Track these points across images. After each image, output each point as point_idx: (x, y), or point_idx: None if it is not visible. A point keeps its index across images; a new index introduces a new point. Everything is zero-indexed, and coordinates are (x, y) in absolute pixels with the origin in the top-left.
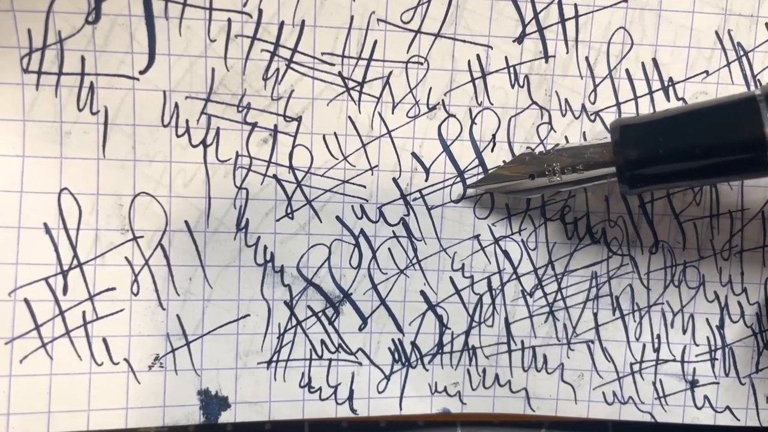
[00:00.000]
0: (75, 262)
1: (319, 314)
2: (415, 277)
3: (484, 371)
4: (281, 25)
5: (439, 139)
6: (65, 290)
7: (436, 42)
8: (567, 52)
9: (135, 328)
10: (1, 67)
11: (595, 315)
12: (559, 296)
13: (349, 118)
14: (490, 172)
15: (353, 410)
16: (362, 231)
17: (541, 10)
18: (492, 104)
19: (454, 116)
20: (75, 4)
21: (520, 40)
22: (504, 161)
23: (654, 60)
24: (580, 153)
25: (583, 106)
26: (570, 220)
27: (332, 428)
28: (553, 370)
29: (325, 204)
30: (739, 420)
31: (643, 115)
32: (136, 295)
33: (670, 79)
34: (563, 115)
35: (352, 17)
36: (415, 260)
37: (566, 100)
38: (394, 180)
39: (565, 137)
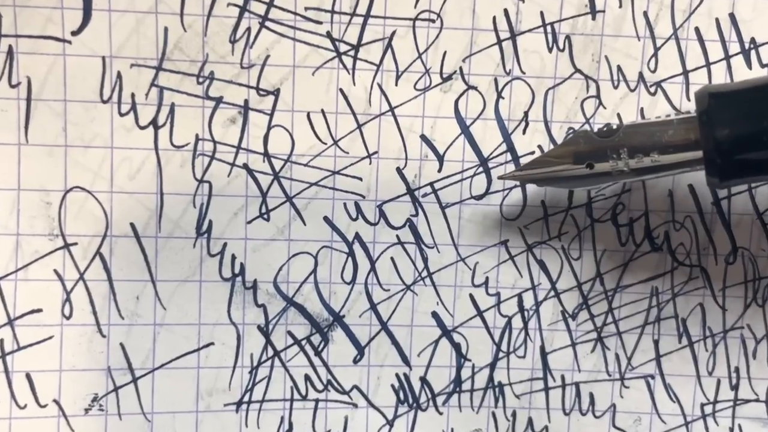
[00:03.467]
0: None
1: (303, 342)
2: (426, 295)
3: (513, 415)
4: None
5: (456, 118)
6: None
7: None
8: (620, 6)
9: (67, 361)
10: None
11: (656, 342)
12: (609, 319)
13: (341, 91)
14: (533, 158)
15: None
16: (357, 236)
17: None
18: (524, 73)
19: (475, 88)
20: None
21: None
22: (539, 147)
23: (731, 15)
24: (653, 133)
25: (641, 75)
26: (624, 221)
27: None
28: (602, 413)
29: (311, 201)
30: None
31: (740, 82)
32: (68, 318)
33: (752, 40)
34: (615, 87)
35: None
36: (425, 273)
37: (619, 68)
38: (399, 170)
39: (618, 115)
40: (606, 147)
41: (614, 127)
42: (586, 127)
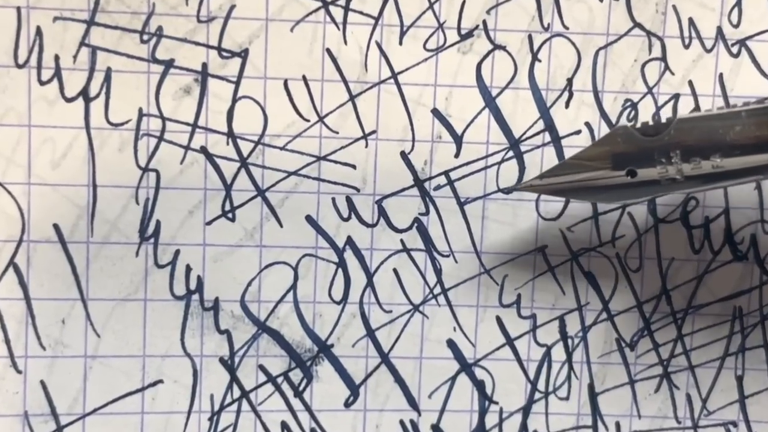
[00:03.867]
0: None
1: (280, 380)
2: (439, 318)
3: None
4: None
5: (479, 87)
6: None
7: None
8: None
9: None
10: None
11: (740, 380)
12: (678, 349)
13: (328, 52)
14: (559, 163)
15: None
16: (350, 240)
17: None
18: (567, 29)
19: (503, 49)
20: None
21: None
22: (586, 124)
23: None
24: (715, 129)
25: (720, 30)
26: (697, 221)
27: None
28: None
29: (289, 196)
30: None
31: None
32: None
33: None
34: (686, 46)
35: None
36: (438, 289)
37: (691, 22)
38: (404, 155)
39: (690, 83)
40: (653, 148)
41: (663, 121)
42: (646, 104)
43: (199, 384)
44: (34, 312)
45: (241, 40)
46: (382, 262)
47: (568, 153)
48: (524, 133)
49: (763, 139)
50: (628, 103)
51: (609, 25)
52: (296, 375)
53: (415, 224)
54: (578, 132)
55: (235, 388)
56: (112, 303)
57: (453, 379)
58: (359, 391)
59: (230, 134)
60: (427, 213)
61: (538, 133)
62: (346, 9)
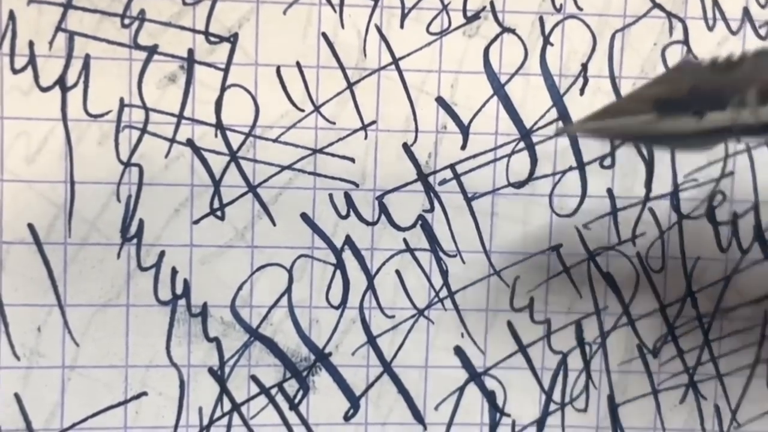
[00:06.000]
0: None
1: (274, 391)
2: (446, 323)
3: None
4: None
5: (486, 73)
6: None
7: None
8: None
9: None
10: None
11: None
12: (705, 356)
13: (324, 36)
14: (609, 103)
15: None
16: (349, 240)
17: None
18: (581, 9)
19: (512, 32)
20: None
21: None
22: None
23: None
24: None
25: (746, 11)
26: (724, 217)
27: None
28: None
29: (282, 192)
30: None
31: None
32: None
33: None
34: (710, 28)
35: None
36: (444, 292)
37: (715, 2)
38: (406, 147)
39: None
40: (725, 86)
41: (739, 56)
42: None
43: (186, 396)
44: (7, 319)
45: (230, 24)
46: (383, 263)
47: (583, 144)
48: (536, 123)
49: None
50: (690, 59)
51: (626, 6)
52: (291, 386)
53: (419, 222)
54: None
55: (226, 400)
56: (91, 309)
57: (461, 389)
58: (359, 404)
59: (219, 126)
60: (431, 210)
61: (550, 123)
62: None
